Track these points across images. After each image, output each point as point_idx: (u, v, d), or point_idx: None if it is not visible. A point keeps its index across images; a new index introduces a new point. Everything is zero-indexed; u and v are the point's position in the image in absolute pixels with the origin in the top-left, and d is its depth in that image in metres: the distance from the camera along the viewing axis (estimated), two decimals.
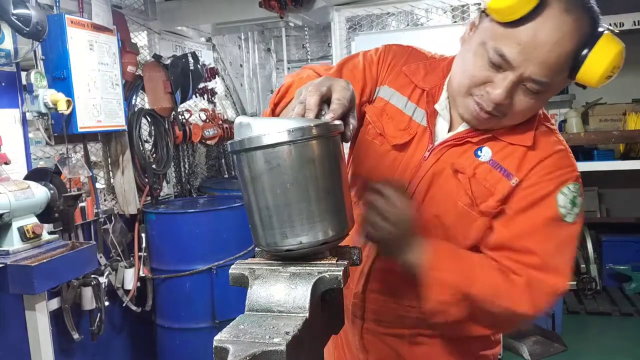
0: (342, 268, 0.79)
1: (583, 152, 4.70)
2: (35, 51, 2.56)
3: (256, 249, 0.90)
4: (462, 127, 1.13)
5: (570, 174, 1.07)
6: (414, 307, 1.16)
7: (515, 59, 0.98)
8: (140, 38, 3.56)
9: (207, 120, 4.01)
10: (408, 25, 3.64)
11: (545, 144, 1.09)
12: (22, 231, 2.12)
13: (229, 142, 0.83)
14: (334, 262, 0.82)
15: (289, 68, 4.87)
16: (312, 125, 0.78)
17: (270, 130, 0.77)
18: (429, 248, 1.06)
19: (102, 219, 3.02)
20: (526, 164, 1.07)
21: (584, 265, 4.72)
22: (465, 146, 1.11)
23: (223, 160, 4.43)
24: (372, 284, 1.21)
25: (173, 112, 3.55)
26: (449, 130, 1.14)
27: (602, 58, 0.99)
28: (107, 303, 2.91)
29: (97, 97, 2.83)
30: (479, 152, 1.10)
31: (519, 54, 0.97)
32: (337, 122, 0.83)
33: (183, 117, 3.70)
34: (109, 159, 3.21)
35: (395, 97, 1.18)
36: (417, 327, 1.19)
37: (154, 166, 3.39)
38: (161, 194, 3.53)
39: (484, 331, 1.12)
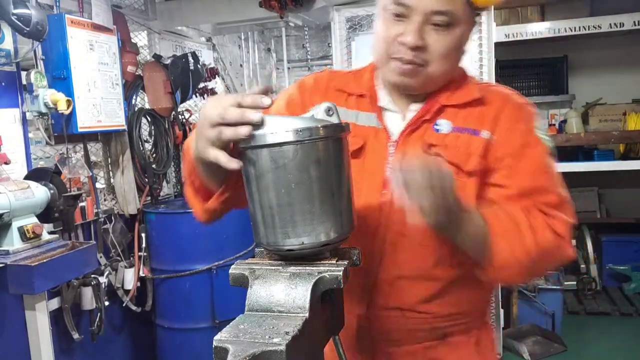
0: (342, 268, 0.79)
1: (583, 152, 4.71)
2: (35, 51, 2.56)
3: (256, 249, 0.90)
4: (411, 113, 1.14)
5: (532, 109, 1.14)
6: (425, 316, 1.13)
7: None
8: (140, 38, 3.56)
9: None
10: None
11: (493, 94, 1.14)
12: (22, 231, 2.13)
13: None
14: (334, 262, 0.82)
15: (289, 68, 4.87)
16: (319, 126, 0.77)
17: (278, 129, 0.77)
18: (483, 213, 1.01)
19: (102, 219, 3.02)
20: (487, 117, 1.11)
21: (583, 265, 4.72)
22: (423, 127, 1.12)
23: None
24: (377, 299, 1.13)
25: (173, 112, 3.55)
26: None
27: None
28: (107, 303, 2.91)
29: (97, 97, 2.83)
30: (437, 127, 1.12)
31: None
32: (344, 123, 0.83)
33: (183, 117, 3.70)
34: (109, 159, 3.21)
35: (346, 112, 1.18)
36: (429, 339, 1.15)
37: (154, 166, 3.39)
38: (161, 193, 3.53)
39: (536, 272, 1.16)
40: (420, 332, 1.14)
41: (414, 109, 1.14)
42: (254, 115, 0.82)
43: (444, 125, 1.11)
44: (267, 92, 0.86)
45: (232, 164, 0.85)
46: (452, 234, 1.00)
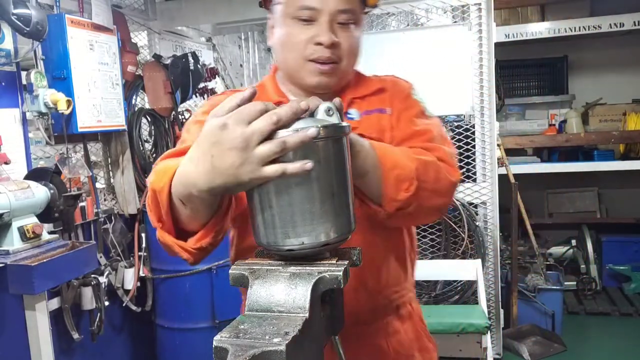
0: (342, 268, 0.79)
1: (583, 152, 4.71)
2: (35, 51, 2.56)
3: (256, 249, 0.90)
4: None
5: (409, 83, 1.29)
6: (388, 291, 1.21)
7: (319, 2, 1.10)
8: (140, 38, 3.56)
9: None
10: (408, 25, 3.64)
11: (384, 82, 1.27)
12: (22, 231, 2.13)
13: None
14: (334, 262, 0.82)
15: None
16: (319, 126, 0.77)
17: (277, 130, 0.77)
18: (376, 146, 1.03)
19: (102, 219, 3.02)
20: (385, 100, 1.23)
21: (583, 266, 4.73)
22: None
23: None
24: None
25: (173, 112, 3.55)
26: None
27: None
28: (107, 303, 2.91)
29: (97, 97, 2.83)
30: (350, 116, 1.20)
31: None
32: (345, 123, 0.83)
33: (183, 117, 3.69)
34: (109, 159, 3.21)
35: None
36: (388, 315, 1.23)
37: (154, 166, 3.39)
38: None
39: (438, 205, 1.14)
40: (380, 309, 1.23)
41: None
42: (304, 104, 0.78)
43: (354, 113, 1.21)
44: (253, 95, 0.80)
45: (308, 164, 0.75)
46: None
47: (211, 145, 0.76)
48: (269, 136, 0.75)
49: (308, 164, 0.75)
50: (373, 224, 1.08)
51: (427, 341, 1.33)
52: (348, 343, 1.15)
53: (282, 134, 0.75)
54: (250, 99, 0.79)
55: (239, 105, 0.77)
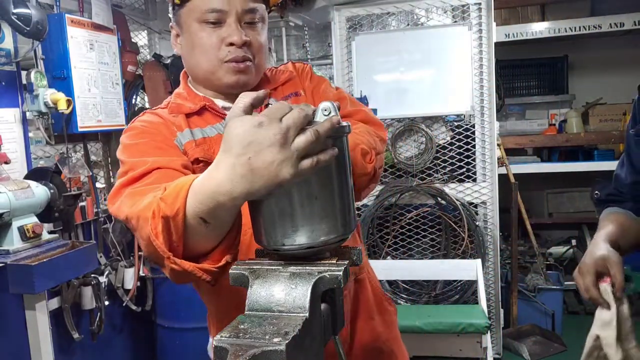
0: (342, 268, 0.79)
1: (583, 152, 4.71)
2: (35, 50, 2.56)
3: (256, 248, 0.90)
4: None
5: (309, 65, 1.36)
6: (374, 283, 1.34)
7: (224, 4, 1.13)
8: (140, 37, 3.56)
9: None
10: (408, 25, 3.64)
11: (290, 71, 1.33)
12: (22, 231, 2.13)
13: None
14: (334, 262, 0.82)
15: None
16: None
17: None
18: None
19: (102, 219, 3.02)
20: (296, 84, 1.31)
21: None
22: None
23: None
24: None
25: None
26: None
27: None
28: (107, 303, 2.91)
29: (97, 96, 2.83)
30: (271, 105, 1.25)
31: None
32: (344, 123, 0.83)
33: None
34: (109, 159, 3.22)
35: (192, 133, 1.19)
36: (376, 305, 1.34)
37: None
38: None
39: (382, 151, 1.23)
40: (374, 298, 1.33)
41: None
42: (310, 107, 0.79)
43: (274, 102, 1.23)
44: (267, 95, 0.82)
45: (335, 149, 0.77)
46: None
47: (246, 146, 0.73)
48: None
49: (335, 149, 0.77)
50: None
51: (387, 304, 1.39)
52: None
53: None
54: (263, 97, 0.80)
55: (252, 104, 0.78)
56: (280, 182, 0.74)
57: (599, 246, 1.20)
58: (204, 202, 0.80)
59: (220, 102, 1.23)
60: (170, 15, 1.25)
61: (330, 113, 0.81)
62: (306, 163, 0.74)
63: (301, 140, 0.73)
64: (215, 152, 1.09)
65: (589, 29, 4.40)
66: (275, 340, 0.67)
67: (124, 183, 1.02)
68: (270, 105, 0.78)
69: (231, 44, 1.14)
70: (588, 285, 1.18)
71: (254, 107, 0.78)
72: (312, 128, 0.74)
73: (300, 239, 0.80)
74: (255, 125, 0.73)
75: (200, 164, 1.13)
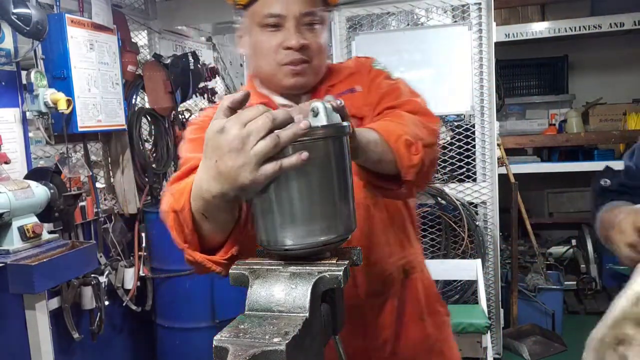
0: (343, 268, 0.79)
1: (583, 152, 4.71)
2: (35, 50, 2.56)
3: (256, 248, 0.90)
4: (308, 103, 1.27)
5: (370, 59, 1.37)
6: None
7: (283, 8, 1.16)
8: (140, 37, 3.56)
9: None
10: (408, 25, 3.64)
11: (349, 67, 1.35)
12: (22, 230, 2.13)
13: None
14: (334, 262, 0.82)
15: None
16: (319, 125, 0.77)
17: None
18: (375, 127, 1.08)
19: (102, 219, 3.02)
20: (355, 81, 1.30)
21: (584, 265, 4.72)
22: None
23: None
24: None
25: (173, 112, 3.55)
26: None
27: None
28: (107, 302, 2.91)
29: (97, 96, 2.83)
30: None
31: (280, 3, 1.16)
32: (345, 123, 0.83)
33: (183, 116, 3.70)
34: (109, 159, 3.21)
35: None
36: (396, 283, 1.29)
37: (154, 166, 3.39)
38: (161, 193, 3.53)
39: (436, 154, 1.21)
40: (389, 277, 1.29)
41: (307, 99, 1.26)
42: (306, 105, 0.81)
43: (331, 98, 1.24)
44: (247, 96, 0.80)
45: (304, 154, 0.75)
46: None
47: (213, 150, 0.77)
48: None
49: (304, 154, 0.75)
50: (373, 202, 1.19)
51: (438, 305, 1.39)
52: (363, 316, 1.26)
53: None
54: (243, 99, 0.79)
55: (230, 107, 0.78)
56: (241, 186, 0.76)
57: (634, 207, 1.17)
58: (196, 199, 0.87)
59: (279, 100, 1.26)
60: (235, 17, 1.28)
61: (318, 114, 0.81)
62: (267, 167, 0.75)
63: (260, 146, 0.74)
64: None
65: (589, 29, 4.40)
66: (275, 340, 0.67)
67: (171, 180, 1.07)
68: (252, 108, 0.77)
69: (288, 48, 1.17)
70: (634, 240, 1.11)
71: (233, 110, 0.78)
72: (273, 133, 0.74)
73: (301, 239, 0.80)
74: (218, 130, 0.76)
75: None
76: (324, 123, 0.81)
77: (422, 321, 1.32)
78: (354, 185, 0.88)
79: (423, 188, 1.27)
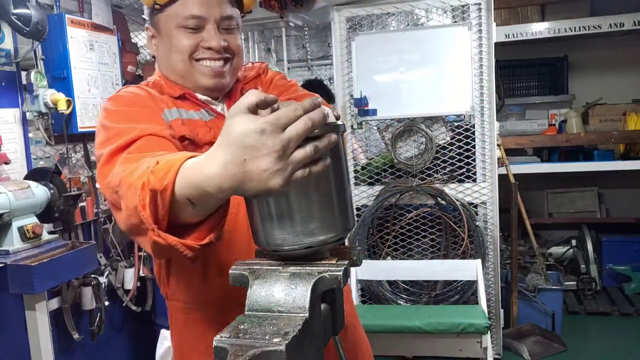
0: (342, 268, 0.79)
1: (583, 152, 4.71)
2: (35, 51, 2.56)
3: (256, 249, 0.90)
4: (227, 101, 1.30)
5: (265, 63, 1.44)
6: None
7: (204, 11, 1.18)
8: (140, 37, 3.56)
9: None
10: (408, 25, 3.64)
11: (256, 68, 1.41)
12: (22, 231, 2.13)
13: None
14: (334, 262, 0.82)
15: (289, 68, 4.86)
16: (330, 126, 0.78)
17: None
18: None
19: (102, 219, 3.02)
20: (258, 82, 1.38)
21: (584, 266, 4.72)
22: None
23: None
24: None
25: None
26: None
27: None
28: (107, 303, 2.91)
29: (97, 96, 2.83)
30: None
31: (202, 6, 1.18)
32: (340, 122, 0.83)
33: None
34: None
35: (179, 112, 1.24)
36: None
37: None
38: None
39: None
40: None
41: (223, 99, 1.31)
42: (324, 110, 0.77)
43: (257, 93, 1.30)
44: (273, 102, 0.77)
45: (328, 161, 0.77)
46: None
47: (246, 148, 0.72)
48: None
49: (327, 161, 0.76)
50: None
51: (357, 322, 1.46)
52: None
53: None
54: (272, 102, 0.76)
55: (258, 105, 0.75)
56: (268, 190, 0.74)
57: None
58: (192, 187, 0.80)
59: (200, 96, 1.27)
60: (146, 17, 1.29)
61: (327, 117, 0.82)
62: (298, 174, 0.74)
63: (299, 154, 0.73)
64: (199, 134, 1.20)
65: (588, 29, 4.41)
66: (275, 340, 0.68)
67: (115, 150, 1.01)
68: (279, 109, 0.75)
69: (209, 48, 1.20)
70: None
71: (258, 108, 0.76)
72: (312, 143, 0.73)
73: (299, 238, 0.80)
74: (258, 132, 0.71)
75: (185, 142, 1.18)
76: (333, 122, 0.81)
77: (353, 327, 1.38)
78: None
79: None
